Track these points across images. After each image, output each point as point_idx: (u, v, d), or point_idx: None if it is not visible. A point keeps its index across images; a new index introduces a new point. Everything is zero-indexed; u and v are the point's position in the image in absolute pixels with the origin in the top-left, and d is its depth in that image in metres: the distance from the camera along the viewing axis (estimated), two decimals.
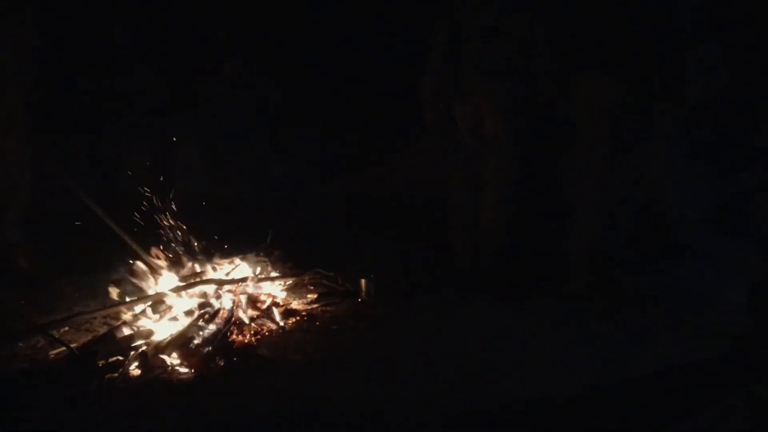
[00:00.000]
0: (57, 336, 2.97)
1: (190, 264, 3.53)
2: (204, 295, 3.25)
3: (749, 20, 3.63)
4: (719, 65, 4.10)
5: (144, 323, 3.05)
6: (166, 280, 3.42)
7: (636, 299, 3.45)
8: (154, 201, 3.69)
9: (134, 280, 3.35)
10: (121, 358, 2.76)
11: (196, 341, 2.87)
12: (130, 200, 5.19)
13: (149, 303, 3.17)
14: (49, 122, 4.75)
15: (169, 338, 2.85)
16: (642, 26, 3.32)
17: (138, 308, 3.20)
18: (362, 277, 3.63)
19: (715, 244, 4.11)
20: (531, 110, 3.73)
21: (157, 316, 3.10)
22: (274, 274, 3.75)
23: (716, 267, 3.87)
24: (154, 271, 3.45)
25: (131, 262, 3.47)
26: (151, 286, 3.36)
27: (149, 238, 3.69)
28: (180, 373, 2.73)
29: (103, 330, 3.12)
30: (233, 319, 3.08)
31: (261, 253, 3.81)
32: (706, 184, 4.24)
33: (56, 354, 2.89)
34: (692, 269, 3.87)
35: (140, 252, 3.57)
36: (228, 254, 3.78)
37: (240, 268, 3.64)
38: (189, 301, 3.20)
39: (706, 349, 2.89)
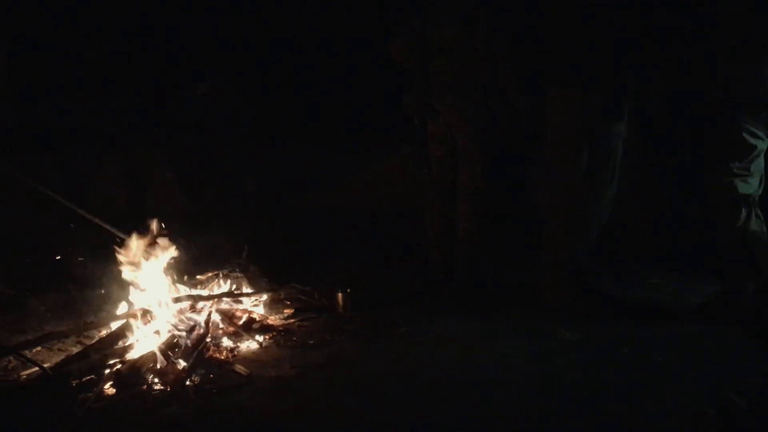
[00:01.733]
0: (29, 356, 2.92)
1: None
2: (180, 311, 3.22)
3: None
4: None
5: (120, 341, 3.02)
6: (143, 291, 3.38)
7: (610, 308, 3.50)
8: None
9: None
10: (95, 376, 2.74)
11: (171, 358, 2.85)
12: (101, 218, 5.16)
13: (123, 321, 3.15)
14: (18, 139, 4.70)
15: (144, 356, 2.83)
16: (606, 38, 3.40)
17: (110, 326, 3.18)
18: (338, 292, 3.63)
19: (686, 254, 4.19)
20: (501, 122, 3.80)
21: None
22: (249, 289, 3.73)
23: (687, 276, 3.94)
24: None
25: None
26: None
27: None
28: (155, 391, 2.71)
29: (76, 349, 3.08)
30: (209, 335, 3.07)
31: (236, 269, 3.80)
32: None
33: (28, 375, 2.85)
34: (664, 278, 3.95)
35: (112, 230, 3.51)
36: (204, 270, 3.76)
37: (216, 283, 3.62)
38: (164, 317, 3.17)
39: (677, 357, 2.96)
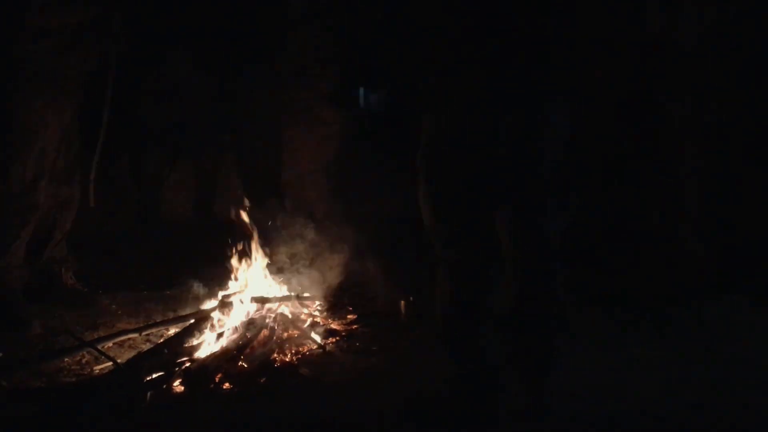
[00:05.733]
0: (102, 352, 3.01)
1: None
2: (247, 312, 3.27)
3: None
4: None
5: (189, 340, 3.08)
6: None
7: None
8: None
9: None
10: (164, 373, 2.80)
11: (239, 358, 2.89)
12: (172, 219, 5.30)
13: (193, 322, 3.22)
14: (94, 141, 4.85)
15: (213, 355, 2.88)
16: None
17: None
18: (401, 299, 3.63)
19: None
20: None
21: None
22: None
23: None
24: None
25: None
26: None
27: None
28: (223, 390, 2.75)
29: (146, 347, 3.16)
30: (275, 337, 3.10)
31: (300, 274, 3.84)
32: None
33: (101, 369, 2.94)
34: None
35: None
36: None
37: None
38: (233, 318, 3.23)
39: None
